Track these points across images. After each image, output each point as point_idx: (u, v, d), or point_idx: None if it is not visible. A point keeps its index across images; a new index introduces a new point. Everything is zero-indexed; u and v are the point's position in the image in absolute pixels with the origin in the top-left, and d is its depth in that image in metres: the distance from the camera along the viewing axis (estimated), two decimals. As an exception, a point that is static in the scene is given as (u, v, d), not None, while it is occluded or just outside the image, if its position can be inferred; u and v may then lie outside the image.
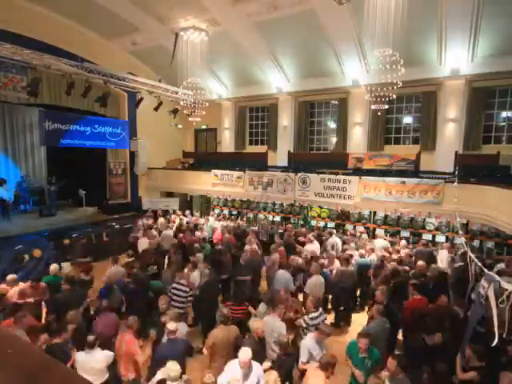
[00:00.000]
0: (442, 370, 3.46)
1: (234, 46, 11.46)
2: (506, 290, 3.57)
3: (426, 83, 10.52)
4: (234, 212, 12.94)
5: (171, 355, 3.78)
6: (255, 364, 3.67)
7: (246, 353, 3.57)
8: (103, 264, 8.13)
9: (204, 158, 15.62)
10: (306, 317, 4.95)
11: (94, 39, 12.05)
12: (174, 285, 5.83)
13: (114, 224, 11.14)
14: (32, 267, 8.40)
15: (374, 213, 10.25)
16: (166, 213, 12.40)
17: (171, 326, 4.20)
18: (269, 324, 4.63)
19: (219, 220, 11.12)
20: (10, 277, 5.67)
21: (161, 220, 11.16)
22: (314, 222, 11.04)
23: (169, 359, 3.62)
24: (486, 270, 4.23)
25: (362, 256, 7.45)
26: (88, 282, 6.12)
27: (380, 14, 6.33)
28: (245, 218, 12.28)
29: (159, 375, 3.53)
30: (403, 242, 8.71)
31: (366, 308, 6.95)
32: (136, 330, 4.36)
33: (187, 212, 12.03)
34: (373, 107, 9.02)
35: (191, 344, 4.55)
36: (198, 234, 9.67)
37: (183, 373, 3.79)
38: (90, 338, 3.98)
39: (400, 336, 5.69)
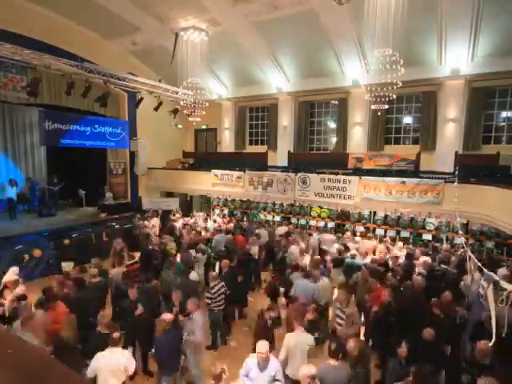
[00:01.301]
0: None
1: (233, 46, 11.46)
2: (506, 289, 3.58)
3: (426, 83, 10.52)
4: (234, 212, 12.95)
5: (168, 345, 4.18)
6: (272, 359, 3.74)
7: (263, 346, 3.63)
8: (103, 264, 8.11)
9: (204, 158, 15.62)
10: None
11: (94, 39, 12.05)
12: (214, 290, 5.71)
13: (114, 224, 11.14)
14: (32, 267, 8.43)
15: (374, 213, 10.25)
16: (166, 213, 12.40)
17: (166, 316, 4.36)
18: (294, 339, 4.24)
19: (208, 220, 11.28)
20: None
21: (154, 221, 11.12)
22: (313, 222, 11.06)
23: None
24: (485, 270, 4.23)
25: (352, 257, 7.43)
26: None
27: (380, 14, 6.33)
28: (244, 218, 12.28)
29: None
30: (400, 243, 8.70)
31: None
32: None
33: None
34: (373, 107, 9.01)
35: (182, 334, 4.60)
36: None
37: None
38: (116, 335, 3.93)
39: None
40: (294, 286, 5.93)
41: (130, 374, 3.92)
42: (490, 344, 3.56)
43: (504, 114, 10.22)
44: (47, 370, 0.95)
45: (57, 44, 10.22)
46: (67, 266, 7.98)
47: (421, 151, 10.71)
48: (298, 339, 4.21)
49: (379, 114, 10.13)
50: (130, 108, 13.13)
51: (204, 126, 15.85)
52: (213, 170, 12.84)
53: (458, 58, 9.45)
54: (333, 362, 3.67)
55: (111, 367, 3.72)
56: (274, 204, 11.97)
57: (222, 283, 5.86)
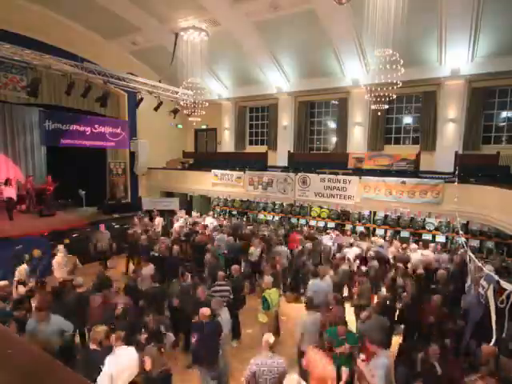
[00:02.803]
0: None
1: (234, 46, 11.46)
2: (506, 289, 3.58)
3: (426, 83, 10.51)
4: (234, 212, 12.95)
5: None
6: None
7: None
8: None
9: (204, 158, 15.63)
10: None
11: (94, 39, 12.06)
12: (217, 287, 5.74)
13: (114, 224, 11.14)
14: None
15: (374, 213, 10.26)
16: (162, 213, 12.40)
17: (206, 311, 4.39)
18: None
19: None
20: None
21: (157, 220, 11.12)
22: (313, 222, 11.07)
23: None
24: (486, 270, 4.24)
25: None
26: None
27: (380, 14, 6.33)
28: (245, 218, 12.30)
29: None
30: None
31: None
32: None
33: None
34: (373, 107, 9.01)
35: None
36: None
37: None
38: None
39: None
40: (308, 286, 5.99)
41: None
42: (491, 344, 3.56)
43: (504, 113, 10.21)
44: (47, 370, 0.95)
45: (57, 44, 10.23)
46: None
47: (421, 151, 10.71)
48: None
49: (379, 113, 10.12)
50: (129, 108, 13.13)
51: (204, 126, 15.84)
52: (213, 170, 12.83)
53: (457, 58, 9.44)
54: None
55: (128, 364, 3.59)
56: (274, 204, 11.98)
57: (228, 288, 5.76)
